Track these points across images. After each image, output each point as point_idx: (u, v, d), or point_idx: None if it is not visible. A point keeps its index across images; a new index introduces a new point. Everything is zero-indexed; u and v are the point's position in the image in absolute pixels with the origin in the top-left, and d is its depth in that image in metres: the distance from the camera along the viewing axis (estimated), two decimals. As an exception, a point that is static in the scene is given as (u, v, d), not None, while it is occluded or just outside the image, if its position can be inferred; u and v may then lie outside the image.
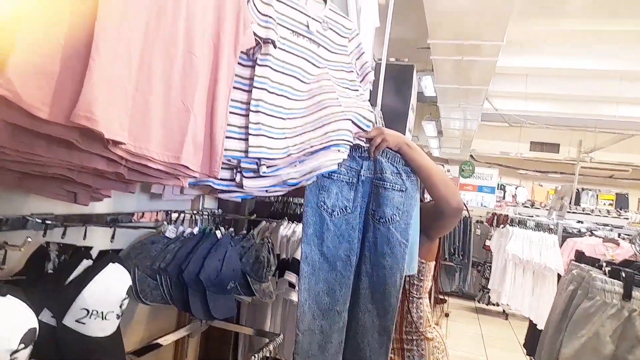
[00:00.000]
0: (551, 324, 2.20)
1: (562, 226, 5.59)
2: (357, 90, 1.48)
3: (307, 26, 1.39)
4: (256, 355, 1.75)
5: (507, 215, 5.98)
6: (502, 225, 5.71)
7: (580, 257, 2.41)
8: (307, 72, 1.40)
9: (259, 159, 1.23)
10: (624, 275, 1.89)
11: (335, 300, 1.41)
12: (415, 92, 4.02)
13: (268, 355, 1.85)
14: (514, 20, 3.89)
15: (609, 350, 1.81)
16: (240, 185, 1.25)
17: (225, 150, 1.16)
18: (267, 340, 1.95)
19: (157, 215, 1.77)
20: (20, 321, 0.89)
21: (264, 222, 2.36)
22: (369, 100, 1.98)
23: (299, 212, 2.41)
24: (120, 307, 1.19)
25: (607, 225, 5.88)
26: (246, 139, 1.22)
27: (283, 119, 1.30)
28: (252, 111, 1.23)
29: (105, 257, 1.20)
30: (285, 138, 1.28)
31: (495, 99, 7.06)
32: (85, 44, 0.76)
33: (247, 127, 1.23)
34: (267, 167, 1.25)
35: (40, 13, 0.72)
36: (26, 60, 0.70)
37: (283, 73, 1.32)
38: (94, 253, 1.27)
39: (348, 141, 1.35)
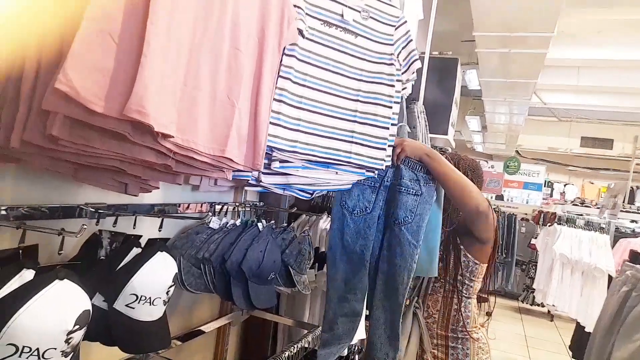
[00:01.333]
0: (601, 327, 2.12)
1: (615, 225, 5.34)
2: (394, 85, 1.45)
3: (342, 15, 1.35)
4: (295, 346, 1.78)
5: (555, 213, 5.76)
6: (549, 224, 5.51)
7: (635, 257, 2.30)
8: (346, 64, 1.37)
9: (271, 149, 1.24)
10: (681, 278, 1.80)
11: (348, 288, 1.57)
12: (458, 86, 3.93)
13: (307, 346, 1.88)
14: (566, 9, 3.72)
15: (665, 356, 1.73)
16: (260, 181, 1.32)
17: None
18: (306, 331, 1.97)
19: (201, 206, 1.83)
20: (76, 303, 0.94)
21: (303, 216, 2.38)
22: (411, 94, 1.95)
23: (339, 206, 2.42)
24: (167, 293, 1.24)
25: (664, 225, 5.57)
26: None
27: (302, 109, 1.30)
28: (275, 100, 1.23)
29: (154, 246, 1.25)
30: (298, 131, 1.28)
31: (543, 93, 6.80)
32: (138, 42, 0.79)
33: None
34: (279, 162, 1.29)
35: (95, 14, 0.76)
36: (83, 58, 0.74)
37: (308, 63, 1.30)
38: (143, 241, 1.33)
39: (348, 162, 1.40)
